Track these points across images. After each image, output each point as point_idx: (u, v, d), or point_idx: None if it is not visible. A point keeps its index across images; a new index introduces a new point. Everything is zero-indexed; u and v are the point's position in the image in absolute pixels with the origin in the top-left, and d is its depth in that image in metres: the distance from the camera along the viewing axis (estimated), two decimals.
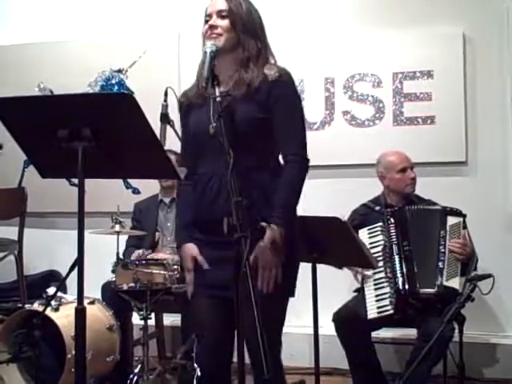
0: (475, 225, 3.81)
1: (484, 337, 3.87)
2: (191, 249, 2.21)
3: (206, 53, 2.14)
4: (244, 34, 2.18)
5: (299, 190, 2.15)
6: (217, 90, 2.10)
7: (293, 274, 2.19)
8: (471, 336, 3.66)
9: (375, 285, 3.25)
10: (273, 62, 2.24)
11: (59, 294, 3.35)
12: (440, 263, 3.16)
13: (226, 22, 2.17)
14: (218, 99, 2.07)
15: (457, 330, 2.98)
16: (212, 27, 2.18)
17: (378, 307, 3.18)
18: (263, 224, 1.97)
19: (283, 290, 2.13)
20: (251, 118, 2.13)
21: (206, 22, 2.22)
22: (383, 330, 3.52)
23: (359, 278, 3.29)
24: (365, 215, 3.53)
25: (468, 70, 4.01)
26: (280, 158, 2.22)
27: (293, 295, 2.21)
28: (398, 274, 3.20)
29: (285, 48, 4.15)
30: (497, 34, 3.98)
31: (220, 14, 2.18)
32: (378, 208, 3.44)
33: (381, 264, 3.23)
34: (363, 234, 3.36)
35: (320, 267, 2.71)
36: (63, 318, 3.16)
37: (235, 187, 1.91)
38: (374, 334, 3.41)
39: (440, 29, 4.02)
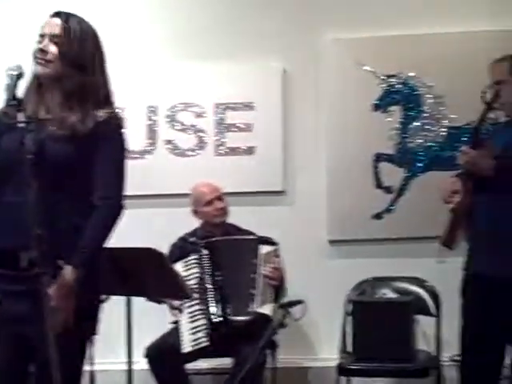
0: (292, 252, 3.95)
1: (297, 361, 3.98)
2: None
3: (10, 76, 2.01)
4: (69, 67, 2.05)
5: (106, 234, 2.06)
6: (20, 115, 1.98)
7: (93, 312, 2.09)
8: (284, 361, 3.74)
9: (190, 317, 3.23)
10: (108, 103, 2.12)
11: None
12: (252, 290, 3.21)
13: (57, 49, 2.04)
14: (22, 125, 1.96)
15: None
16: (43, 51, 2.04)
17: (193, 340, 3.16)
18: (60, 263, 1.88)
19: (82, 328, 2.02)
20: (64, 155, 2.01)
21: (39, 42, 2.07)
22: (203, 360, 3.51)
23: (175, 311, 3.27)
24: (181, 248, 3.52)
25: (287, 103, 4.16)
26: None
27: (94, 333, 2.10)
28: (211, 305, 3.21)
29: None
30: (314, 71, 4.17)
31: (53, 39, 2.04)
32: (193, 239, 3.45)
33: (197, 296, 3.23)
34: (179, 268, 3.33)
35: (135, 300, 2.65)
36: None
37: (37, 220, 1.80)
38: (191, 365, 3.40)
39: (261, 63, 4.14)
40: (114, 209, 2.07)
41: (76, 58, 2.06)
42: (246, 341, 3.11)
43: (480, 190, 2.81)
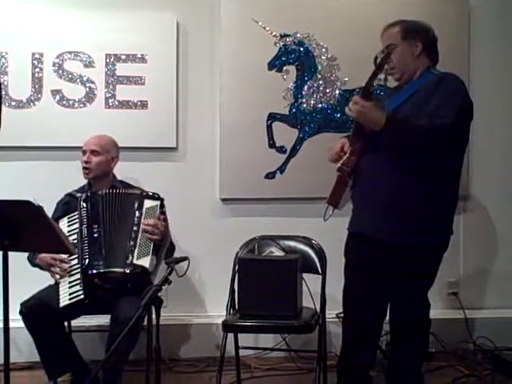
0: (184, 210, 3.94)
1: (184, 318, 3.98)
2: None
3: None
4: None
5: None
6: None
7: None
8: (171, 318, 3.76)
9: (69, 272, 3.15)
10: None
11: None
12: (131, 243, 3.17)
13: None
14: None
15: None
16: None
17: (70, 293, 3.09)
18: None
19: None
20: None
21: None
22: (89, 317, 3.46)
23: (57, 275, 3.17)
24: (67, 204, 3.43)
25: (181, 57, 4.06)
26: None
27: None
28: (85, 257, 3.15)
29: None
30: (209, 24, 4.08)
31: None
32: (79, 195, 3.34)
33: (76, 251, 3.15)
34: (63, 224, 3.27)
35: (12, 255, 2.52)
36: None
37: None
38: (77, 323, 3.31)
39: (154, 14, 4.00)
40: None
41: None
42: (123, 294, 3.08)
43: (365, 150, 2.86)
